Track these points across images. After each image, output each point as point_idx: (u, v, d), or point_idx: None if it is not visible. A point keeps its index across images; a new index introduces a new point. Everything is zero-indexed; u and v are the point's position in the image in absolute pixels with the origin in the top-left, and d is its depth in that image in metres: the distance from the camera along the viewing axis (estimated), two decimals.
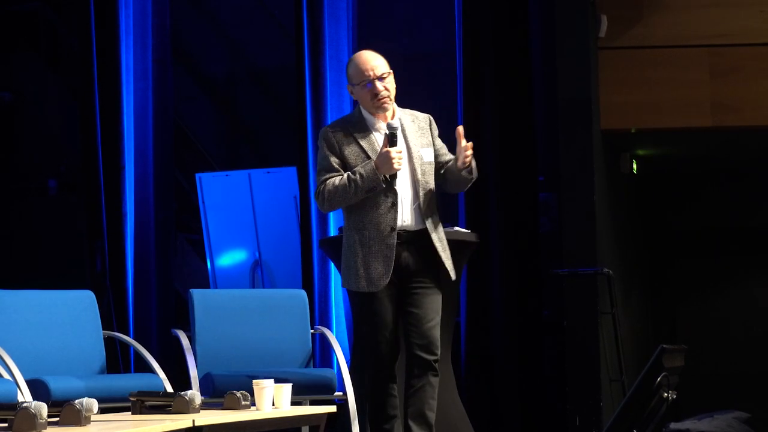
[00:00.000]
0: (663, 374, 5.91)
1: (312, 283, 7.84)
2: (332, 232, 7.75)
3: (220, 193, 9.07)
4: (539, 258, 7.72)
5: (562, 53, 7.53)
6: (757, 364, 9.49)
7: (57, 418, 4.40)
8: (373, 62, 5.41)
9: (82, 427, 4.37)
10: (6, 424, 4.23)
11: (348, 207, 5.39)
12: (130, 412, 5.16)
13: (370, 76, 5.38)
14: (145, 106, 8.37)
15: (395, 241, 5.33)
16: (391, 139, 5.33)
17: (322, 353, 7.76)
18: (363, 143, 5.40)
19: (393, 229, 5.33)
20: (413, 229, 5.38)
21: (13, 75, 9.62)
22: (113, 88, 8.32)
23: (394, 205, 5.34)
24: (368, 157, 5.36)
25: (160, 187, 8.37)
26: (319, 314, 7.81)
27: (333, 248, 6.57)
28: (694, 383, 8.29)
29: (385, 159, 5.29)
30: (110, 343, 6.80)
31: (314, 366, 6.93)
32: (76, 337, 6.24)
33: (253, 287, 8.84)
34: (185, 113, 9.56)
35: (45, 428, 4.23)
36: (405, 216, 5.37)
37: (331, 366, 7.47)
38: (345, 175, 5.34)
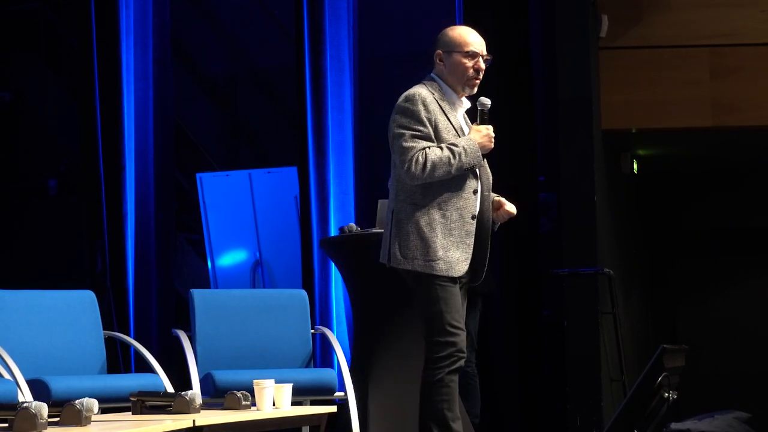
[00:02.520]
0: (664, 374, 5.91)
1: (312, 283, 7.84)
2: (332, 232, 7.75)
3: (220, 193, 9.07)
4: (539, 258, 7.72)
5: (562, 53, 7.52)
6: (758, 364, 9.50)
7: (57, 418, 4.40)
8: (480, 40, 5.18)
9: (83, 427, 4.37)
10: (6, 424, 4.23)
11: (428, 184, 5.01)
12: (130, 412, 5.16)
13: (479, 51, 5.14)
14: (145, 106, 8.37)
15: (474, 228, 5.07)
16: (481, 117, 5.11)
17: (322, 353, 7.76)
18: (450, 118, 5.10)
19: (474, 216, 5.06)
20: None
21: (13, 75, 9.62)
22: (113, 88, 8.32)
23: (476, 192, 5.08)
24: (457, 133, 5.08)
25: (160, 187, 8.37)
26: (320, 314, 7.81)
27: (333, 248, 6.57)
28: (695, 383, 8.29)
29: (486, 138, 5.06)
30: (110, 343, 6.80)
31: (315, 366, 6.93)
32: (77, 337, 6.24)
33: (254, 287, 8.84)
34: (185, 113, 9.56)
35: (45, 428, 4.23)
36: (479, 205, 5.10)
37: (331, 366, 7.47)
38: (444, 146, 5.00)
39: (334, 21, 7.98)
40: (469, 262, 5.03)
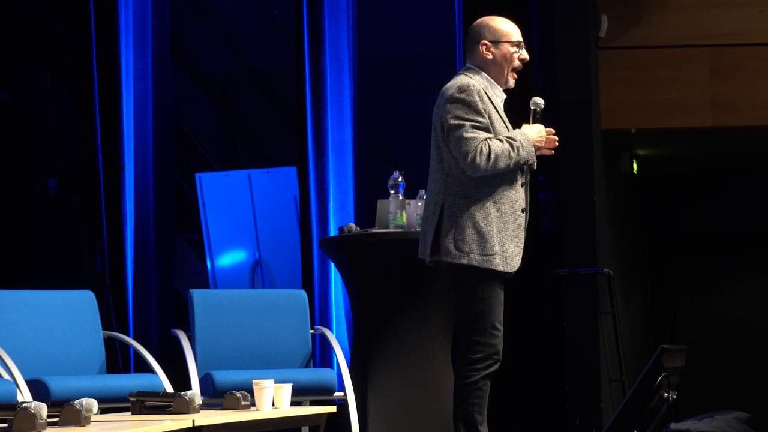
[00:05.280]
0: (663, 374, 5.90)
1: (312, 283, 7.83)
2: (332, 232, 7.75)
3: (220, 193, 9.07)
4: (539, 258, 7.71)
5: (562, 53, 7.52)
6: (758, 364, 9.49)
7: (57, 419, 4.40)
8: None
9: (82, 428, 4.37)
10: (6, 425, 4.23)
11: (482, 177, 4.98)
12: (130, 413, 5.16)
13: (521, 41, 5.16)
14: (145, 106, 8.37)
15: (524, 222, 5.06)
16: (534, 116, 5.13)
17: (322, 353, 7.76)
18: (498, 109, 5.10)
19: (524, 209, 5.06)
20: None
21: (13, 75, 9.62)
22: (113, 88, 8.32)
23: (524, 185, 5.08)
24: (506, 126, 5.08)
25: (160, 187, 8.37)
26: (319, 314, 7.80)
27: (333, 248, 6.57)
28: (695, 383, 8.28)
29: (538, 136, 5.07)
30: (110, 343, 6.80)
31: (314, 366, 6.93)
32: (76, 337, 6.24)
33: (253, 287, 8.84)
34: (185, 113, 9.56)
35: (45, 428, 4.23)
36: (526, 198, 5.11)
37: (331, 366, 7.46)
38: (503, 139, 4.99)
39: (334, 21, 7.98)
40: (521, 256, 5.04)
